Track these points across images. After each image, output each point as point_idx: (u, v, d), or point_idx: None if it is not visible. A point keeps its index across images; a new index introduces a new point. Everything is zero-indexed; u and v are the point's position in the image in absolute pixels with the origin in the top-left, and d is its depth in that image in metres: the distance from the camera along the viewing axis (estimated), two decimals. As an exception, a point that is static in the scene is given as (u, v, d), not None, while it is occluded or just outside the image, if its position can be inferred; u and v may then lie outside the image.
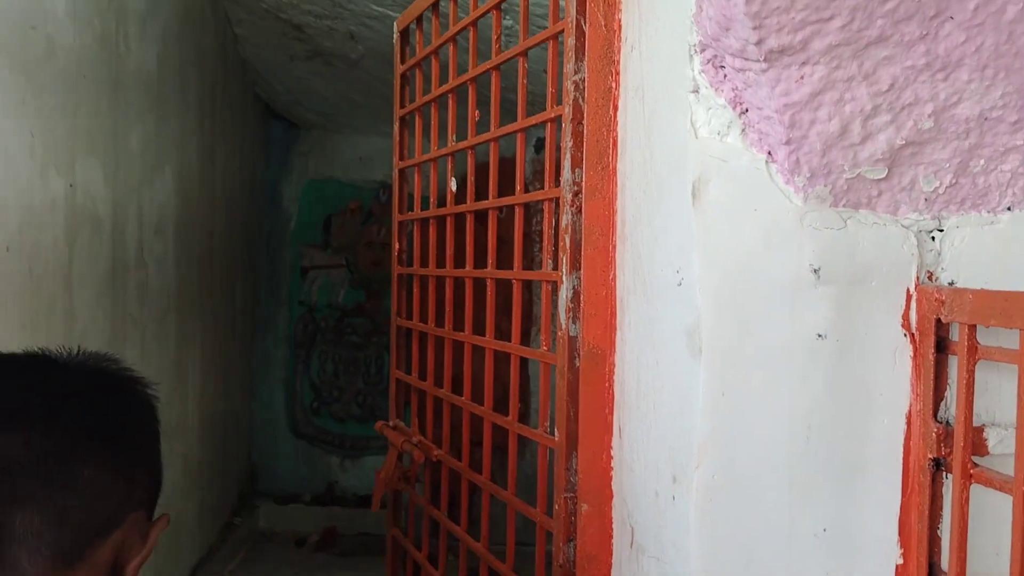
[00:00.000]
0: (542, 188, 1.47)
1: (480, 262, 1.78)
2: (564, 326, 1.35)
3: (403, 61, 2.10)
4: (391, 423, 2.08)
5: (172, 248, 3.50)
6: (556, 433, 1.40)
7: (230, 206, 4.67)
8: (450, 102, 1.82)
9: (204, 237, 4.05)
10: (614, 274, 1.29)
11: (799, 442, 1.11)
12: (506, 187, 1.60)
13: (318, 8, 4.00)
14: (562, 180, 1.33)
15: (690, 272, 1.11)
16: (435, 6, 1.89)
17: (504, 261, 1.66)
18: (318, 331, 5.56)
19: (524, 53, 1.48)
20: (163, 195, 3.36)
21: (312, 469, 5.48)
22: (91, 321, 2.64)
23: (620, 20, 1.24)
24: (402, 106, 2.11)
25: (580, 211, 1.31)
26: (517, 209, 1.54)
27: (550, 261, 1.46)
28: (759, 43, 0.98)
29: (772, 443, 1.10)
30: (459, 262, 1.89)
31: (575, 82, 1.27)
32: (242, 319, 5.12)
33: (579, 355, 1.34)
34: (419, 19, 2.01)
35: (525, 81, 1.48)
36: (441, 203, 1.98)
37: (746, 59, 1.02)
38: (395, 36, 2.10)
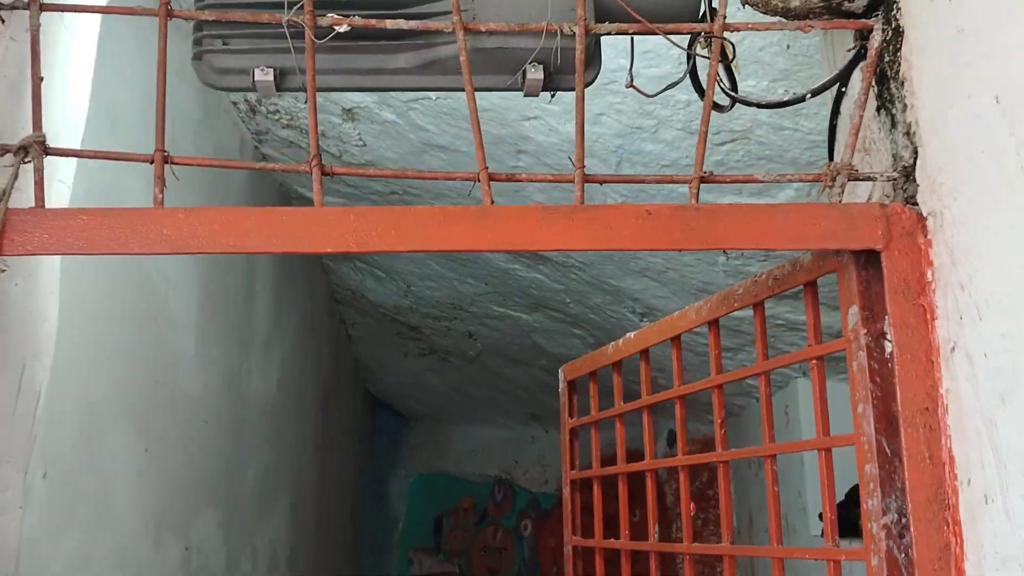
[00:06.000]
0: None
1: None
2: None
3: (572, 415, 1.82)
4: None
5: (284, 584, 3.12)
6: None
7: (340, 513, 4.33)
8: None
9: (315, 556, 3.68)
10: None
11: None
12: None
13: (437, 311, 3.88)
14: None
15: None
16: (617, 365, 1.63)
17: None
18: (429, 649, 4.95)
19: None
20: (278, 528, 3.04)
21: None
22: None
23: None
24: (572, 467, 1.79)
25: None
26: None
27: None
28: None
29: None
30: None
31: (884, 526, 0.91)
32: (347, 640, 4.59)
33: None
34: (593, 374, 1.75)
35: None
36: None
37: None
38: (562, 385, 1.84)
